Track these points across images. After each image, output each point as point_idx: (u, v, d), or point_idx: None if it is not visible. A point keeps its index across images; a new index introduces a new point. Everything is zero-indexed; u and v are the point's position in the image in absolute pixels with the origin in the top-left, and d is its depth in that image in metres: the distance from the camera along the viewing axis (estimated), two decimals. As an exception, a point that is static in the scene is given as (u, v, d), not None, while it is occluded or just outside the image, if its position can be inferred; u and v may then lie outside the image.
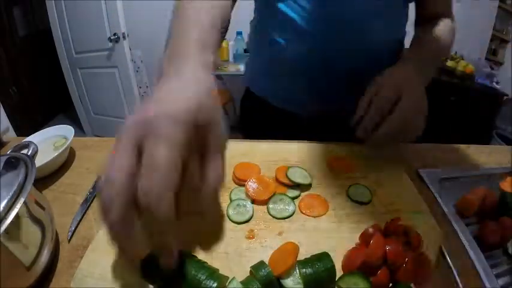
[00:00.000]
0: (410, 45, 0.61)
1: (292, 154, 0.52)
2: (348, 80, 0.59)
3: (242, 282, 0.30)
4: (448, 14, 0.63)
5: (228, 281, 0.30)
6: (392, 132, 0.45)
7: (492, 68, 2.29)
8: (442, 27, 0.60)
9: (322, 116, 0.64)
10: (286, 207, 0.41)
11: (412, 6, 0.63)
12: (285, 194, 0.43)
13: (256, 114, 0.74)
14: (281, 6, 0.56)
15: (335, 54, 0.56)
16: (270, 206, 0.41)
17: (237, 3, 0.56)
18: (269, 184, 0.44)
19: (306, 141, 0.56)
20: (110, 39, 2.09)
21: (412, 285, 0.31)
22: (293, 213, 0.40)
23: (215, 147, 0.29)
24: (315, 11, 0.53)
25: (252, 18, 0.69)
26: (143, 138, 0.25)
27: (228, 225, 0.39)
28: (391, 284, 0.31)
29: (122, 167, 0.24)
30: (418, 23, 0.65)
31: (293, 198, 0.42)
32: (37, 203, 0.34)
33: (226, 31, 0.47)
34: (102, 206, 0.24)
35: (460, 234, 0.40)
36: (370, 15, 0.55)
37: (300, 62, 0.59)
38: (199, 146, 0.28)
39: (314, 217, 0.40)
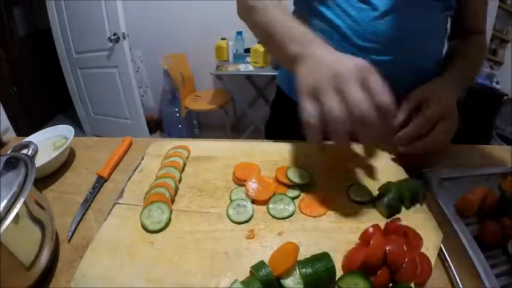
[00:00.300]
0: (448, 59, 0.61)
1: (292, 154, 0.52)
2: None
3: (242, 282, 0.30)
4: (482, 29, 0.65)
5: (231, 283, 0.30)
6: (428, 148, 0.47)
7: (492, 68, 2.29)
8: (478, 46, 0.63)
9: None
10: (286, 207, 0.41)
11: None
12: (285, 194, 0.43)
13: (286, 115, 0.72)
14: (323, 9, 0.55)
15: (379, 67, 0.55)
16: (270, 206, 0.41)
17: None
18: (269, 184, 0.44)
19: (306, 141, 0.55)
20: (110, 39, 2.09)
21: (412, 285, 0.31)
22: (293, 213, 0.40)
23: (378, 85, 0.36)
24: (359, 16, 0.52)
25: None
26: (339, 85, 0.35)
27: (228, 225, 0.39)
28: (391, 284, 0.31)
29: (334, 102, 0.34)
30: (453, 37, 0.66)
31: (293, 198, 0.42)
32: (37, 203, 0.34)
33: None
34: (331, 124, 0.35)
35: (460, 234, 0.40)
36: (418, 29, 0.54)
37: None
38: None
39: (314, 217, 0.40)
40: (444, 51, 0.65)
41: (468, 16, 0.63)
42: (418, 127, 0.47)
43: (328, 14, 0.55)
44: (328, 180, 0.46)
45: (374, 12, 0.52)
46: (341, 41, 0.55)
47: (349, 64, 0.36)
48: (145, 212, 0.39)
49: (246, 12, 0.52)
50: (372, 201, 0.43)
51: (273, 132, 0.77)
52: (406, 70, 0.56)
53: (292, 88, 0.70)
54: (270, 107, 0.80)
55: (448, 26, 0.64)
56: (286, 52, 0.44)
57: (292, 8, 0.70)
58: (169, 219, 0.39)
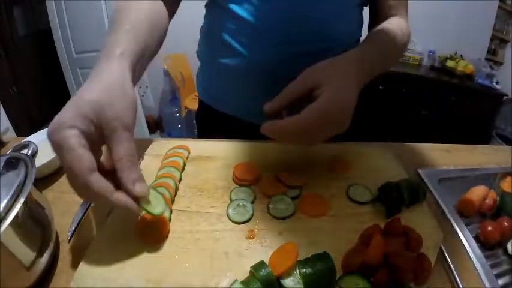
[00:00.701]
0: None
1: (293, 154, 0.52)
2: None
3: (242, 282, 0.30)
4: (401, 14, 0.59)
5: (231, 283, 0.31)
6: (300, 143, 0.41)
7: (492, 68, 2.29)
8: (392, 24, 0.55)
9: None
10: (286, 207, 0.41)
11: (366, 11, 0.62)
12: (285, 194, 0.43)
13: (214, 127, 0.71)
14: (232, 6, 0.53)
15: (290, 56, 0.54)
16: (270, 206, 0.41)
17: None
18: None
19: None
20: (110, 39, 2.09)
21: (412, 285, 0.31)
22: (293, 213, 0.40)
23: (115, 135, 0.32)
24: (269, 10, 0.51)
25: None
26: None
27: (228, 225, 0.39)
28: (391, 284, 0.31)
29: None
30: (370, 27, 0.62)
31: (293, 198, 0.42)
32: (37, 203, 0.34)
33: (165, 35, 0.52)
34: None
35: (460, 234, 0.40)
36: (329, 15, 0.53)
37: (255, 65, 0.56)
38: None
39: (314, 217, 0.40)
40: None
41: (381, 3, 0.58)
42: (302, 124, 0.37)
43: (240, 11, 0.53)
44: (328, 180, 0.46)
45: (281, 2, 0.51)
46: (255, 38, 0.54)
47: (72, 113, 0.31)
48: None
49: None
50: (372, 201, 0.43)
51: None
52: (316, 58, 0.53)
53: (214, 98, 0.68)
54: (195, 120, 0.78)
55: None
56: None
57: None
58: (170, 219, 0.39)
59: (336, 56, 0.43)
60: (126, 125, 0.33)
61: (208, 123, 0.73)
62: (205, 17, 0.65)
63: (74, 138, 0.29)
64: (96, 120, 0.31)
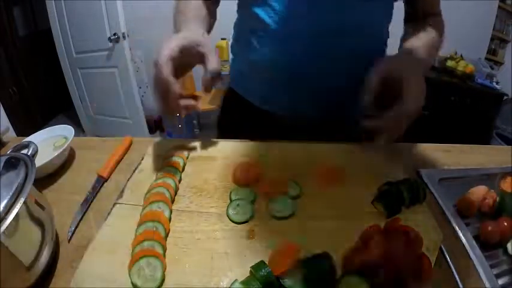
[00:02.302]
0: (404, 40, 0.59)
1: (293, 154, 0.52)
2: (322, 83, 0.58)
3: (242, 282, 0.30)
4: (437, 12, 0.63)
5: (231, 283, 0.31)
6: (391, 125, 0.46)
7: (492, 68, 2.29)
8: (436, 26, 0.61)
9: (301, 117, 0.62)
10: (286, 207, 0.41)
11: (399, 6, 0.63)
12: (285, 194, 0.43)
13: (236, 113, 0.74)
14: (256, 9, 0.56)
15: (308, 57, 0.55)
16: (270, 206, 0.41)
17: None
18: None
19: (306, 141, 0.56)
20: (110, 39, 2.09)
21: (412, 285, 0.31)
22: (293, 213, 0.40)
23: (205, 52, 0.46)
24: (287, 14, 0.53)
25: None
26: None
27: (228, 225, 0.39)
28: (391, 284, 0.31)
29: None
30: (408, 19, 0.65)
31: (293, 198, 0.42)
32: (37, 203, 0.34)
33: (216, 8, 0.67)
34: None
35: (460, 234, 0.40)
36: (346, 17, 0.53)
37: (271, 63, 0.58)
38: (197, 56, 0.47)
39: (314, 217, 0.40)
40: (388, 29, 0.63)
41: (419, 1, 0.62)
42: (392, 121, 0.45)
43: (258, 11, 0.55)
44: (329, 178, 0.46)
45: (299, 6, 0.52)
46: (267, 35, 0.56)
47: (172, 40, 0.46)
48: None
49: None
50: (372, 201, 0.43)
51: (224, 129, 0.79)
52: (333, 59, 0.55)
53: (244, 88, 0.70)
54: (221, 103, 0.82)
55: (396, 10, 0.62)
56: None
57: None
58: (170, 219, 0.39)
59: (404, 52, 0.54)
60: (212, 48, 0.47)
61: (236, 112, 0.75)
62: (237, 12, 0.68)
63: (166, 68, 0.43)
64: (192, 44, 0.46)
